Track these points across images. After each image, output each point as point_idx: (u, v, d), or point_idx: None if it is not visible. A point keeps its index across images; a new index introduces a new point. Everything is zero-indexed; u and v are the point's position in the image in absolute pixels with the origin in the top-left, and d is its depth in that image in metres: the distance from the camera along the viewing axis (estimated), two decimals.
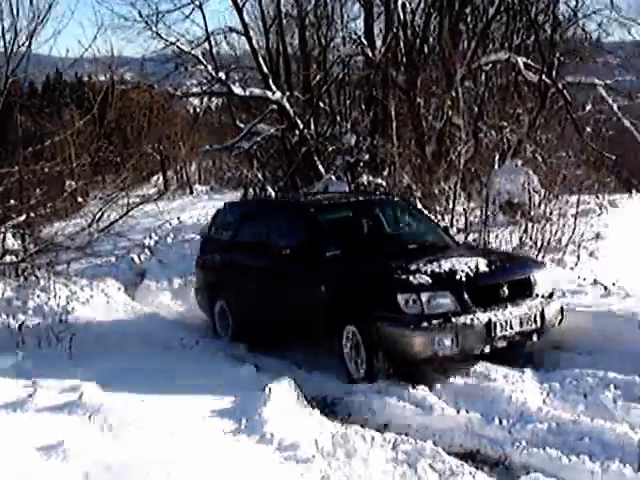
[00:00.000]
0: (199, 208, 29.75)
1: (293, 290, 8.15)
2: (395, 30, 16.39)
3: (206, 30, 18.23)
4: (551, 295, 7.30)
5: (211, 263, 10.01)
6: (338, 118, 18.11)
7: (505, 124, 15.27)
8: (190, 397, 6.32)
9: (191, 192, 35.38)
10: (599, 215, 13.80)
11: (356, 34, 18.74)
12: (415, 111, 15.45)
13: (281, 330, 8.61)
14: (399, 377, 6.71)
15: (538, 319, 6.94)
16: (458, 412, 5.74)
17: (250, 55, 19.26)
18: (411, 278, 6.72)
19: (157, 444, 5.17)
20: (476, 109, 15.91)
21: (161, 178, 34.09)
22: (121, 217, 16.22)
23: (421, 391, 6.28)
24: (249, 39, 18.52)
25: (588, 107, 18.03)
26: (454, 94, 14.51)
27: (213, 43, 18.77)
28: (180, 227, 24.21)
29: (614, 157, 16.51)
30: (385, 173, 15.03)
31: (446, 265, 6.96)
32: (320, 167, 17.07)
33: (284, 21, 19.36)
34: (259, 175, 20.53)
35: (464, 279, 6.78)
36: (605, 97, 17.44)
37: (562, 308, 7.34)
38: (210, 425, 5.61)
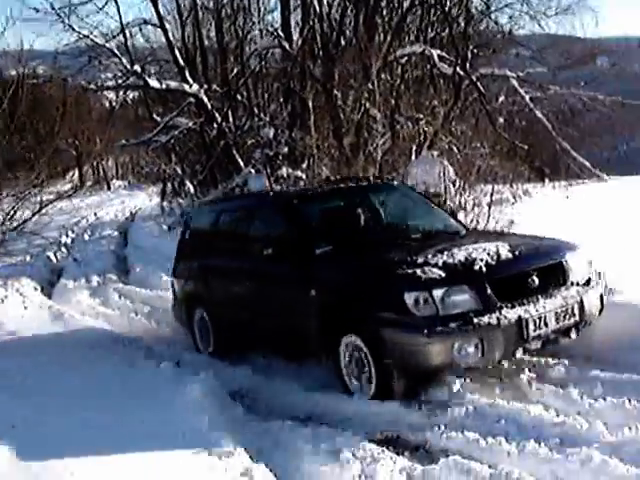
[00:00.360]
0: (117, 204, 29.48)
1: (277, 296, 7.00)
2: (312, 23, 16.42)
3: (120, 22, 17.94)
4: (589, 282, 6.16)
5: (187, 270, 8.90)
6: (256, 111, 18.08)
7: (421, 116, 15.47)
8: (105, 395, 6.24)
9: (108, 188, 34.86)
10: (513, 204, 14.14)
11: (273, 26, 18.76)
12: (333, 103, 15.50)
13: (266, 342, 7.61)
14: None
15: (577, 311, 5.85)
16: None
17: (166, 47, 19.06)
18: (419, 272, 5.56)
19: (72, 444, 5.08)
20: (393, 101, 16.05)
21: (77, 174, 33.45)
22: (34, 214, 15.88)
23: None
24: (165, 31, 18.33)
25: (501, 98, 18.45)
26: (371, 86, 14.61)
27: (128, 35, 18.54)
28: (97, 224, 23.94)
29: (527, 147, 16.92)
30: (304, 165, 15.07)
31: (460, 254, 5.83)
32: (239, 160, 17.01)
33: (200, 13, 19.23)
34: (177, 169, 20.40)
35: (484, 269, 5.64)
36: (518, 89, 17.93)
37: (602, 296, 6.27)
38: (128, 422, 5.53)
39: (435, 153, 14.19)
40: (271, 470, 4.68)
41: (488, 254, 5.79)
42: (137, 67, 17.29)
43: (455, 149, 15.04)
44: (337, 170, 13.89)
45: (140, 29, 20.52)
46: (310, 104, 15.58)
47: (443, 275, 5.53)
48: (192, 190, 19.16)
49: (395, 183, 8.67)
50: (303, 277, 6.52)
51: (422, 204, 8.17)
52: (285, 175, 14.79)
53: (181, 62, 18.05)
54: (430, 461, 4.65)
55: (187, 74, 17.76)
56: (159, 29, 18.74)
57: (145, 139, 18.82)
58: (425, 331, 5.36)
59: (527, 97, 17.89)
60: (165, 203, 21.55)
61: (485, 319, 5.40)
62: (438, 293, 5.40)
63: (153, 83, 17.16)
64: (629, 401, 4.95)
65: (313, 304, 6.28)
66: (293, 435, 5.35)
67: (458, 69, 15.40)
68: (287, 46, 16.36)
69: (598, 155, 24.22)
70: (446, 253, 5.86)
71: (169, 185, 22.03)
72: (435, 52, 16.15)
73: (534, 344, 5.70)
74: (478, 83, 15.96)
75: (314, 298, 6.27)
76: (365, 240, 6.92)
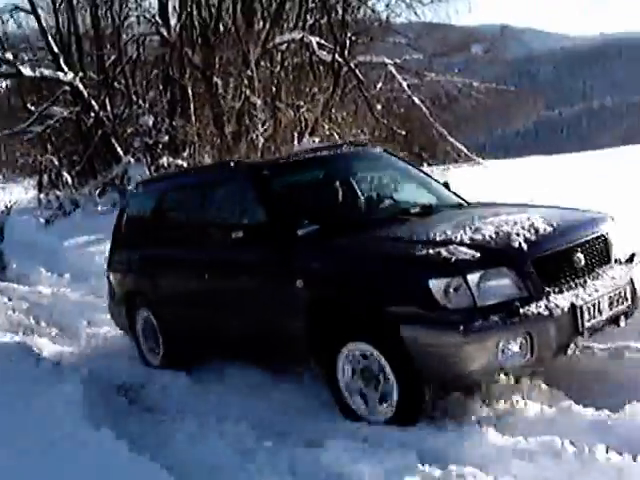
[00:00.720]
0: None
1: (250, 289, 5.66)
2: (190, 9, 16.31)
3: None
4: (632, 258, 5.10)
5: (127, 263, 7.47)
6: (135, 99, 17.76)
7: (302, 103, 15.60)
8: None
9: None
10: None
11: (150, 13, 18.47)
12: (213, 91, 15.43)
13: (235, 349, 6.28)
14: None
15: (629, 295, 4.82)
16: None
17: (40, 34, 18.49)
18: (444, 252, 4.38)
19: None
20: (273, 88, 16.11)
21: None
22: None
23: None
24: (37, 18, 17.78)
25: (379, 85, 18.75)
26: (251, 74, 14.62)
27: None
28: None
29: (405, 132, 17.30)
30: (185, 154, 14.96)
31: (488, 229, 4.65)
32: (119, 150, 16.72)
33: None
34: (54, 160, 19.81)
35: (525, 246, 4.49)
36: (395, 75, 18.28)
37: None
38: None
39: (316, 140, 14.35)
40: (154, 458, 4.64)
41: (523, 227, 4.66)
42: (9, 55, 16.73)
43: (336, 135, 15.25)
44: (219, 158, 13.85)
45: (12, 15, 19.77)
46: (190, 91, 15.50)
47: (477, 255, 4.35)
48: (70, 181, 18.67)
49: (377, 150, 7.20)
50: (284, 264, 5.25)
51: (410, 173, 6.77)
52: (166, 164, 14.62)
53: (55, 49, 17.55)
54: (318, 445, 4.71)
55: (62, 62, 17.30)
56: (32, 15, 18.16)
57: (19, 129, 18.21)
58: (460, 328, 4.16)
59: (405, 84, 18.29)
60: (42, 195, 20.88)
61: (533, 309, 4.27)
62: (474, 278, 4.25)
63: (26, 71, 16.62)
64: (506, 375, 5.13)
65: (299, 298, 5.03)
66: (177, 427, 5.31)
67: (337, 56, 15.61)
68: (165, 33, 16.19)
69: (475, 140, 24.99)
70: (469, 228, 4.70)
71: (45, 177, 21.36)
72: (314, 39, 16.33)
73: (586, 337, 4.56)
74: (357, 70, 16.24)
75: (301, 291, 5.01)
76: (355, 217, 5.83)
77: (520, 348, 4.24)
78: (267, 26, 16.26)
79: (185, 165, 14.37)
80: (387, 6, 18.60)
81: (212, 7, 17.07)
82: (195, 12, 16.49)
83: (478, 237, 4.55)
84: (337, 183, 6.16)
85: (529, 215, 4.89)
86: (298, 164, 6.42)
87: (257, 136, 14.11)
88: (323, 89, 16.12)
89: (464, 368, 4.30)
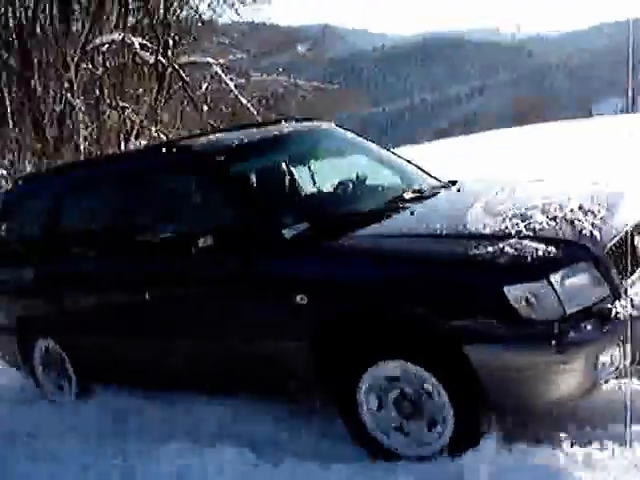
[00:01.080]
0: None
1: (224, 310, 4.38)
2: (3, 9, 15.68)
3: None
4: None
5: (14, 282, 5.98)
6: None
7: (126, 105, 15.36)
8: None
9: None
10: None
11: None
12: (32, 95, 14.91)
13: (199, 383, 4.85)
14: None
15: None
16: None
17: None
18: (511, 250, 3.50)
19: None
20: (97, 91, 15.77)
21: None
22: None
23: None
24: None
25: (205, 85, 18.73)
26: (71, 76, 14.25)
27: None
28: None
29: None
30: (5, 161, 14.41)
31: (538, 216, 3.81)
32: None
33: None
34: None
35: (597, 234, 3.69)
36: (222, 76, 18.31)
37: None
38: None
39: (143, 142, 14.22)
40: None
41: (573, 210, 3.90)
42: None
43: (163, 137, 15.14)
44: (41, 164, 13.46)
45: None
46: (6, 96, 14.88)
47: (552, 250, 3.50)
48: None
49: (330, 125, 5.76)
50: (272, 277, 4.16)
51: (372, 150, 5.60)
52: None
53: None
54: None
55: None
56: None
57: None
58: (552, 343, 3.32)
59: (231, 84, 18.34)
60: None
61: (620, 309, 3.49)
62: (557, 279, 3.41)
63: None
64: None
65: (301, 317, 3.97)
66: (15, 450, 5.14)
67: (160, 57, 15.48)
68: None
69: None
70: (513, 216, 3.84)
71: None
72: (136, 40, 16.06)
73: None
74: (181, 71, 16.17)
75: (303, 308, 3.93)
76: (346, 208, 4.73)
77: (610, 359, 3.48)
78: (86, 27, 15.85)
79: (5, 173, 13.87)
80: (209, 6, 18.62)
81: (28, 8, 16.45)
82: (10, 13, 15.84)
83: (537, 227, 3.70)
84: (307, 168, 5.25)
85: (569, 195, 4.13)
86: (255, 146, 5.01)
87: (81, 140, 13.77)
88: (148, 90, 15.95)
89: (554, 392, 3.49)
